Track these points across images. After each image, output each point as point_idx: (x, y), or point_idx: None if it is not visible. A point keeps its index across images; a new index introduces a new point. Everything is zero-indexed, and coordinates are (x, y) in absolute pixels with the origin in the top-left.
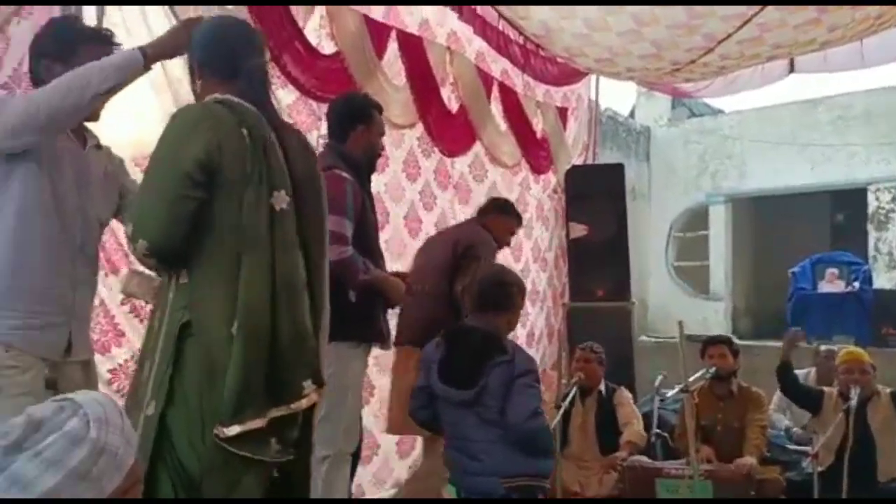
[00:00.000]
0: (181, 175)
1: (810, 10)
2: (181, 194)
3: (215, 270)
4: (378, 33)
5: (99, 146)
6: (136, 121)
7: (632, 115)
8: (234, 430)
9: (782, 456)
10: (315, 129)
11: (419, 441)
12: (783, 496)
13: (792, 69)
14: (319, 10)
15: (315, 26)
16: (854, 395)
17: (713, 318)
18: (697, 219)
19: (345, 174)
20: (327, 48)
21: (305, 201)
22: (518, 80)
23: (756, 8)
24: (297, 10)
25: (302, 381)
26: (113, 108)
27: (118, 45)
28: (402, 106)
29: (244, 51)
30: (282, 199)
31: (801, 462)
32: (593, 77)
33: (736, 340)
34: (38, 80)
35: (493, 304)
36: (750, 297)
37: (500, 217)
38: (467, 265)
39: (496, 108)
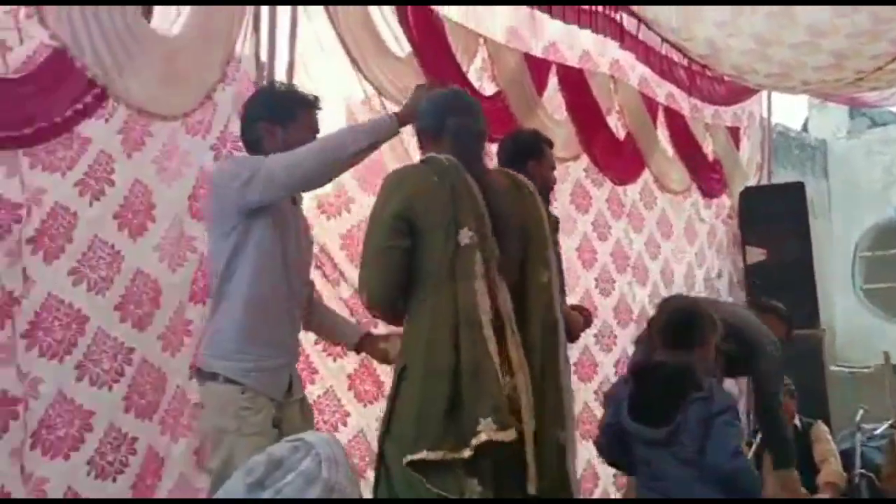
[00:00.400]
0: (385, 228)
1: None
2: (387, 245)
3: (418, 313)
4: (538, 70)
5: (296, 201)
6: None
7: (805, 129)
8: (413, 456)
9: None
10: None
11: None
12: None
13: None
14: (482, 52)
15: (476, 68)
16: None
17: None
18: (887, 236)
19: None
20: (488, 89)
21: (504, 237)
22: (685, 104)
23: None
24: (459, 54)
25: (479, 417)
26: None
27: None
28: (564, 139)
29: (451, 112)
30: (465, 235)
31: None
32: (764, 94)
33: None
34: (251, 141)
35: (684, 339)
36: None
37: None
38: None
39: (663, 134)
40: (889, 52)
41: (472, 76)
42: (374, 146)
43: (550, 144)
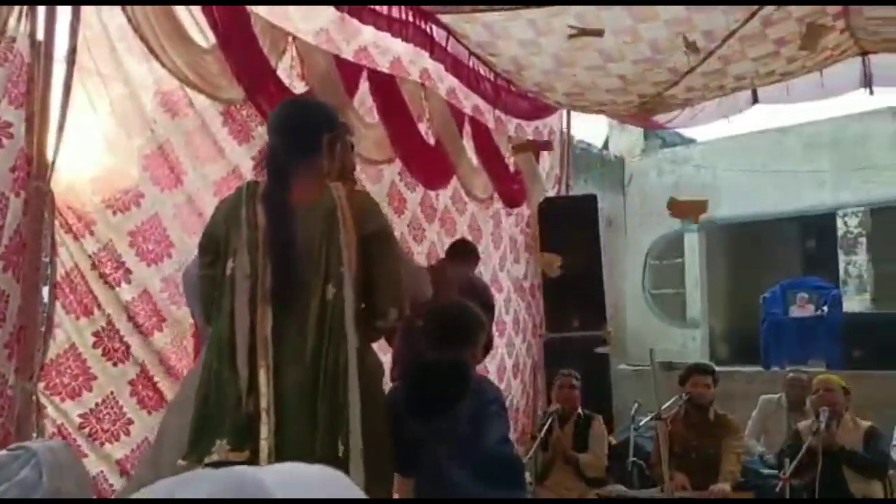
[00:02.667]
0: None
1: (769, 44)
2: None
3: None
4: (349, 72)
5: None
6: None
7: (605, 146)
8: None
9: (756, 481)
10: None
11: None
12: None
13: (756, 100)
14: (290, 50)
15: (286, 66)
16: (823, 417)
17: (691, 344)
18: (673, 247)
19: None
20: (298, 88)
21: (290, 260)
22: (489, 116)
23: (717, 41)
24: (268, 50)
25: (216, 438)
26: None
27: None
28: (377, 142)
29: (269, 131)
30: (229, 266)
31: (774, 486)
32: (565, 110)
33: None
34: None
35: (457, 337)
36: (726, 322)
37: (476, 260)
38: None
39: (468, 144)
40: (667, 79)
41: (282, 74)
42: None
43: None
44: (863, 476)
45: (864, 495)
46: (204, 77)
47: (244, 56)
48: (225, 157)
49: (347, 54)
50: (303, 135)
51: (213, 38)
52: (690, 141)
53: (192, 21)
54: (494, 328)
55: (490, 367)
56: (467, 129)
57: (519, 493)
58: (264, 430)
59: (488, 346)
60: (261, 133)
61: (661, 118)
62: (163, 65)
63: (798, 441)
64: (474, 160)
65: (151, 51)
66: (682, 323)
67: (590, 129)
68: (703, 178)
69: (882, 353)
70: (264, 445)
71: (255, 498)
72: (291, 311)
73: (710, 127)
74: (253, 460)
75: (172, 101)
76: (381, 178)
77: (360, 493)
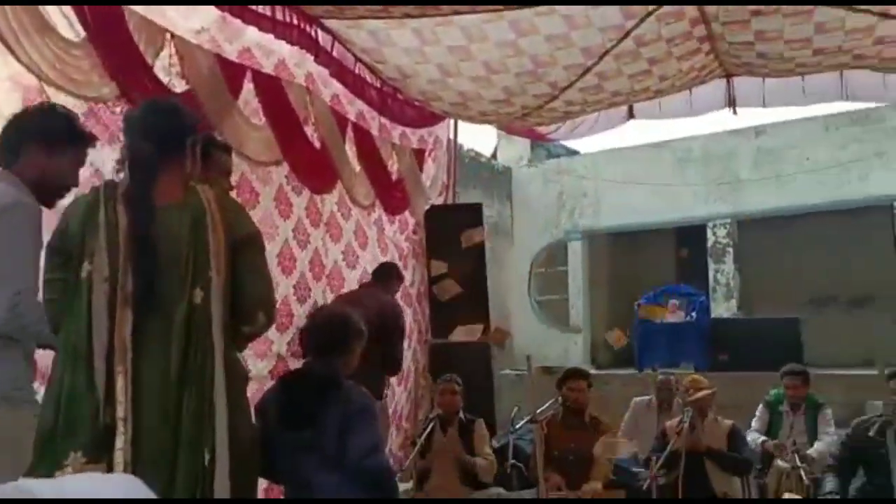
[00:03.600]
0: None
1: (642, 62)
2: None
3: None
4: (232, 73)
5: None
6: None
7: (494, 156)
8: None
9: (627, 479)
10: None
11: None
12: None
13: (631, 115)
14: (168, 48)
15: (164, 64)
16: (687, 417)
17: (573, 349)
18: (557, 255)
19: None
20: (178, 87)
21: (152, 263)
22: (374, 123)
23: (594, 58)
24: (144, 47)
25: (69, 450)
26: None
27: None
28: (264, 143)
29: (124, 132)
30: (85, 268)
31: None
32: (452, 119)
33: (594, 371)
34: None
35: (330, 346)
36: (607, 328)
37: (398, 282)
38: (391, 335)
39: (351, 150)
40: (547, 92)
41: (160, 72)
42: None
43: (227, 150)
44: (726, 474)
45: (724, 492)
46: (67, 74)
47: (117, 51)
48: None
49: (230, 54)
50: (168, 135)
51: (82, 32)
52: (574, 153)
53: (61, 14)
54: None
55: None
56: (350, 134)
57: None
58: (119, 441)
59: (395, 366)
60: None
61: (543, 129)
62: (18, 59)
63: (665, 440)
64: (357, 166)
65: (6, 44)
66: (565, 328)
67: (479, 139)
68: (586, 189)
69: (745, 355)
70: (119, 456)
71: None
72: (155, 316)
73: (592, 140)
74: (109, 470)
75: (30, 98)
76: (269, 181)
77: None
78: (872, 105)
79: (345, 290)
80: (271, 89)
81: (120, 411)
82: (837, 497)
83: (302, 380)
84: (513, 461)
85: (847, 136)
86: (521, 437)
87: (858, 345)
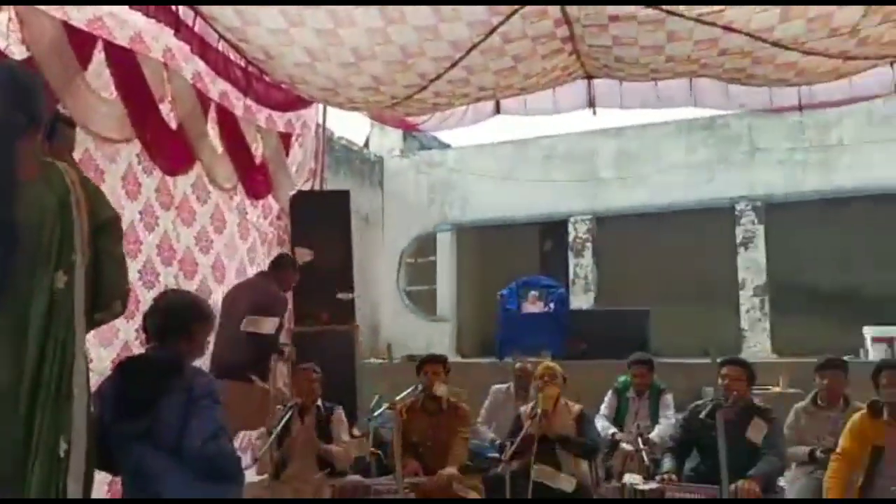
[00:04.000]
0: None
1: (508, 58)
2: None
3: None
4: (81, 43)
5: None
6: None
7: (367, 144)
8: None
9: (483, 464)
10: None
11: None
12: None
13: (498, 110)
14: (7, 12)
15: (3, 29)
16: (540, 402)
17: (440, 338)
18: (426, 245)
19: None
20: (18, 53)
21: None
22: (239, 104)
23: (462, 51)
24: None
25: None
26: None
27: None
28: (115, 119)
29: None
30: None
31: (497, 468)
32: (321, 105)
33: (459, 360)
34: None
35: (171, 330)
36: (473, 318)
37: (292, 273)
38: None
39: (213, 130)
40: (417, 83)
41: None
42: None
43: (71, 124)
44: (575, 458)
45: (572, 474)
46: None
47: None
48: None
49: (79, 22)
50: (30, 105)
51: None
52: (446, 146)
53: None
54: None
55: None
56: (213, 114)
57: (232, 487)
58: None
59: (281, 351)
60: None
61: (413, 120)
62: None
63: (519, 425)
64: (219, 148)
65: None
66: (433, 318)
67: (351, 126)
68: (456, 182)
69: (599, 344)
70: None
71: None
72: (8, 298)
73: (464, 134)
74: None
75: None
76: (117, 159)
77: None
78: (719, 112)
79: (198, 276)
80: (124, 63)
81: None
82: (674, 476)
83: (141, 366)
84: (372, 448)
85: (696, 141)
86: (383, 425)
87: (698, 336)
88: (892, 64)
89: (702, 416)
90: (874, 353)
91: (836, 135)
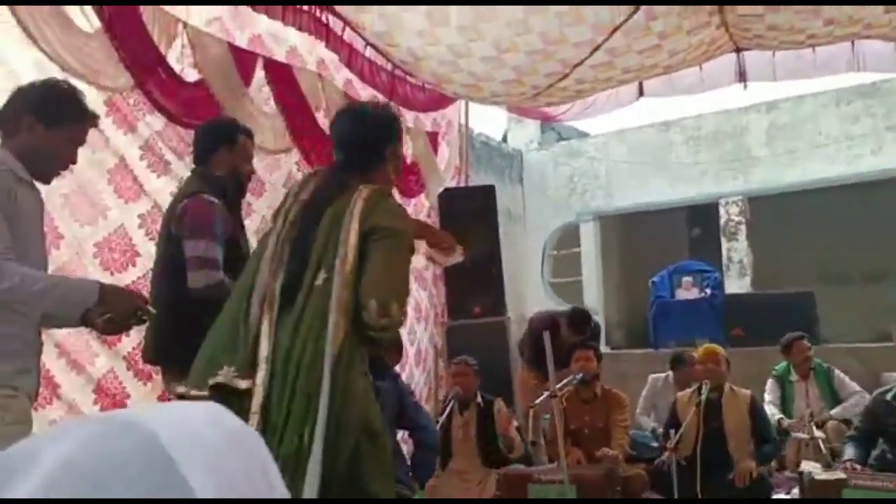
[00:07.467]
0: None
1: (652, 37)
2: None
3: None
4: (244, 61)
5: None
6: None
7: (504, 139)
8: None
9: (647, 454)
10: (186, 155)
11: None
12: (647, 490)
13: (641, 93)
14: (181, 37)
15: (177, 54)
16: (705, 389)
17: None
18: (569, 237)
19: (211, 198)
20: (191, 76)
21: None
22: None
23: (605, 34)
24: (157, 37)
25: (224, 365)
26: None
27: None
28: (273, 132)
29: None
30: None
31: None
32: (462, 102)
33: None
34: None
35: None
36: (620, 308)
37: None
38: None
39: None
40: (558, 71)
41: (173, 61)
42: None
43: (249, 135)
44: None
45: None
46: (86, 64)
47: (131, 42)
48: (110, 146)
49: (241, 42)
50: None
51: (97, 23)
52: (584, 135)
53: (77, 7)
54: None
55: None
56: None
57: None
58: (260, 375)
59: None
60: (148, 122)
61: (554, 110)
62: (41, 50)
63: (675, 412)
64: None
65: (30, 36)
66: None
67: (489, 122)
68: (597, 171)
69: (758, 330)
70: (260, 379)
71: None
72: (298, 284)
73: (602, 122)
74: (249, 395)
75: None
76: (277, 168)
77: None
78: (881, 77)
79: None
80: (283, 76)
81: (263, 349)
82: (857, 465)
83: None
84: (532, 438)
85: (858, 109)
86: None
87: (870, 318)
88: None
89: (888, 398)
90: None
91: None
